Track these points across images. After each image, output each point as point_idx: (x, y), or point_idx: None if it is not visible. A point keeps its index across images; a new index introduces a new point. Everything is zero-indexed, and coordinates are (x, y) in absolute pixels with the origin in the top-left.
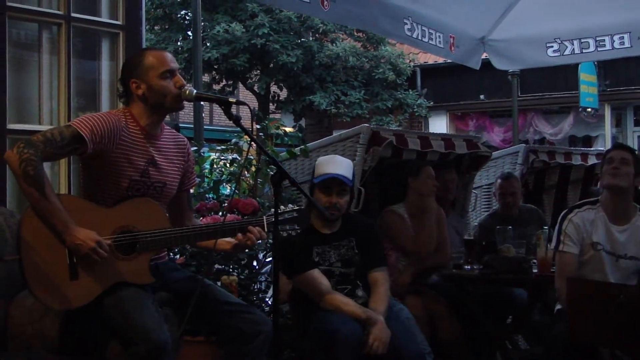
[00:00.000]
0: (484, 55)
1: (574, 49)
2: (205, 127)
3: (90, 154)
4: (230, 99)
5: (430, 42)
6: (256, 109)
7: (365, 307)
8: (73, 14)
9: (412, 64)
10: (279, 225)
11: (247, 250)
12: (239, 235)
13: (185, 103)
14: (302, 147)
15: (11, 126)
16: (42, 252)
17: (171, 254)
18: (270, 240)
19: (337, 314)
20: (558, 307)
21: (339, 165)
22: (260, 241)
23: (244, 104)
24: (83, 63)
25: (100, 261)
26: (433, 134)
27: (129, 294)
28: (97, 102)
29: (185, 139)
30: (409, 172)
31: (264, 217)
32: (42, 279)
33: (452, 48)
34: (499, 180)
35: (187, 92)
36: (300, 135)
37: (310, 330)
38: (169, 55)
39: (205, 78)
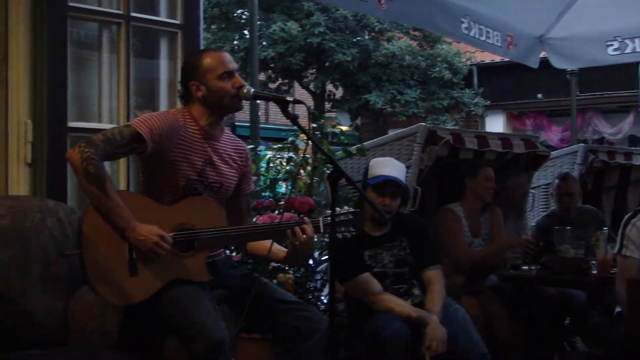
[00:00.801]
0: (542, 54)
1: (635, 47)
2: (261, 125)
3: (150, 153)
4: (288, 98)
5: (487, 40)
6: (312, 107)
7: (421, 307)
8: (133, 14)
9: (468, 62)
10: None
11: None
12: (295, 231)
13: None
14: (358, 145)
15: (72, 124)
16: (103, 248)
17: (227, 251)
18: (325, 239)
19: (384, 315)
20: (618, 309)
21: (393, 167)
22: (315, 239)
23: (301, 102)
24: (142, 62)
25: (161, 257)
26: (490, 133)
27: (186, 291)
28: (155, 101)
29: (245, 145)
30: (467, 172)
31: (320, 219)
32: (102, 275)
33: (510, 47)
34: (556, 181)
35: (245, 91)
36: (357, 134)
37: (362, 331)
38: (227, 56)
39: (261, 77)
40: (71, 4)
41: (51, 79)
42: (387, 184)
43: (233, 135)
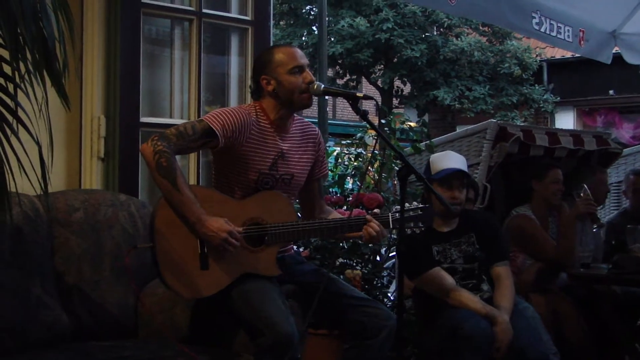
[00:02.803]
0: (615, 49)
1: None
2: (328, 121)
3: (221, 148)
4: (358, 94)
5: (558, 36)
6: (379, 103)
7: (490, 302)
8: (204, 10)
9: (538, 58)
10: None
11: (370, 245)
12: (364, 233)
13: None
14: (427, 142)
15: (144, 119)
16: (174, 242)
17: (295, 247)
18: (393, 236)
19: (461, 310)
20: None
21: (455, 159)
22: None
23: (371, 98)
24: (213, 58)
25: (231, 251)
26: (561, 129)
27: (256, 286)
28: (225, 97)
29: (316, 128)
30: (533, 174)
31: (389, 214)
32: (173, 268)
33: (582, 42)
34: (631, 176)
35: (315, 86)
36: (426, 130)
37: (436, 326)
38: (298, 52)
39: (329, 73)
40: (144, 1)
41: (124, 75)
42: (453, 176)
43: (304, 120)
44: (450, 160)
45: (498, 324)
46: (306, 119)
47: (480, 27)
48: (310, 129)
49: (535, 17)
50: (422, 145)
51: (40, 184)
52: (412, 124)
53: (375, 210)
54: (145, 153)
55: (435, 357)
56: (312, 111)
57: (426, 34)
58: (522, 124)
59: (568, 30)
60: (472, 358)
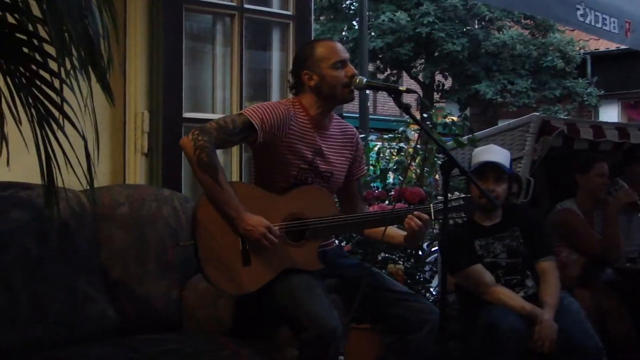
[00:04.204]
0: None
1: None
2: (369, 116)
3: (260, 143)
4: (400, 87)
5: (604, 27)
6: (418, 97)
7: (535, 298)
8: (246, 5)
9: (582, 51)
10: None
11: None
12: (407, 226)
13: None
14: (470, 136)
15: (186, 115)
16: (217, 238)
17: (336, 241)
18: (435, 230)
19: (499, 308)
20: None
21: (495, 153)
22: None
23: (413, 92)
24: (254, 53)
25: (271, 247)
26: (606, 122)
27: (299, 280)
28: (267, 92)
29: (354, 129)
30: (578, 168)
31: (431, 205)
32: (216, 264)
33: (628, 33)
34: None
35: (358, 80)
36: (468, 124)
37: (475, 323)
38: (339, 46)
39: (370, 67)
40: None
41: (167, 71)
42: (488, 168)
43: (343, 121)
44: (489, 153)
45: (540, 322)
46: (346, 115)
47: (523, 20)
48: (348, 129)
49: (579, 9)
50: (465, 139)
51: (86, 179)
52: (454, 118)
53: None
54: (186, 147)
55: (477, 353)
56: (353, 106)
57: (467, 27)
58: (567, 117)
59: (614, 22)
60: (505, 356)
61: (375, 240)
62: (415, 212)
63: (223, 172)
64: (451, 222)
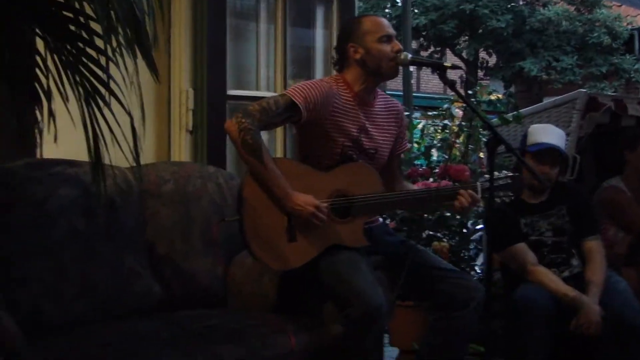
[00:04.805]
0: None
1: None
2: (413, 94)
3: (304, 122)
4: (445, 64)
5: None
6: (464, 75)
7: (580, 277)
8: None
9: (629, 27)
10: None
11: (457, 217)
12: (455, 203)
13: None
14: (515, 113)
15: (231, 92)
16: (262, 215)
17: (381, 218)
18: (480, 208)
19: (528, 286)
20: None
21: (554, 135)
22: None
23: (459, 68)
24: (298, 31)
25: (320, 225)
26: None
27: (344, 257)
28: (311, 70)
29: (399, 104)
30: (626, 144)
31: (478, 183)
32: (261, 240)
33: None
34: None
35: (403, 56)
36: (513, 101)
37: (512, 300)
38: (385, 21)
39: (413, 45)
40: None
41: (211, 49)
42: (548, 152)
43: (387, 96)
44: (548, 134)
45: (583, 307)
46: (389, 93)
47: None
48: (393, 104)
49: None
50: (510, 116)
51: (132, 156)
52: (499, 96)
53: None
54: (230, 130)
55: (510, 330)
56: (397, 83)
57: (512, 3)
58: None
59: None
60: (532, 334)
61: (420, 218)
62: (468, 192)
63: (268, 153)
64: (499, 200)
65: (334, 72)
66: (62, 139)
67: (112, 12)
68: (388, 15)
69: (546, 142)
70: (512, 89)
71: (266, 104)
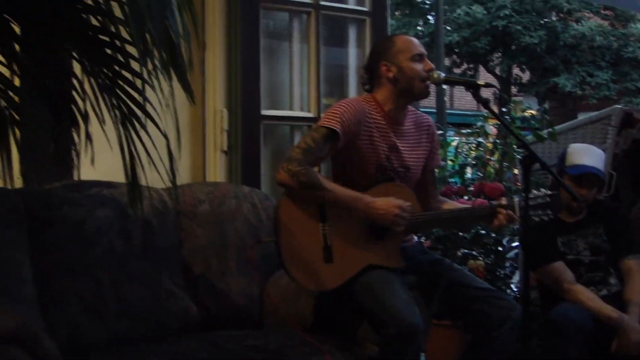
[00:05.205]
0: None
1: None
2: (446, 111)
3: (340, 144)
4: (479, 82)
5: None
6: (497, 91)
7: (618, 296)
8: (322, 2)
9: None
10: (531, 210)
11: (493, 235)
12: (494, 221)
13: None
14: (549, 130)
15: (265, 112)
16: (298, 235)
17: (416, 237)
18: (516, 226)
19: (567, 304)
20: None
21: (594, 156)
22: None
23: (492, 86)
24: (331, 50)
25: (354, 244)
26: None
27: (379, 277)
28: (344, 88)
29: (430, 119)
30: None
31: (516, 201)
32: (298, 261)
33: None
34: None
35: (436, 75)
36: (548, 118)
37: (549, 320)
38: (416, 41)
39: (446, 62)
40: None
41: (245, 69)
42: (587, 176)
43: (417, 112)
44: (589, 156)
45: (621, 326)
46: (422, 110)
47: (602, 11)
48: (424, 119)
49: None
50: (544, 133)
51: (168, 177)
52: (533, 112)
53: (502, 202)
54: (283, 181)
55: (547, 348)
56: (430, 101)
57: (545, 19)
58: None
59: None
60: (568, 352)
61: (455, 236)
62: (506, 210)
63: (325, 178)
64: (537, 219)
65: (364, 93)
66: (99, 160)
67: (147, 36)
68: (420, 33)
69: (586, 164)
70: (546, 105)
71: (304, 144)
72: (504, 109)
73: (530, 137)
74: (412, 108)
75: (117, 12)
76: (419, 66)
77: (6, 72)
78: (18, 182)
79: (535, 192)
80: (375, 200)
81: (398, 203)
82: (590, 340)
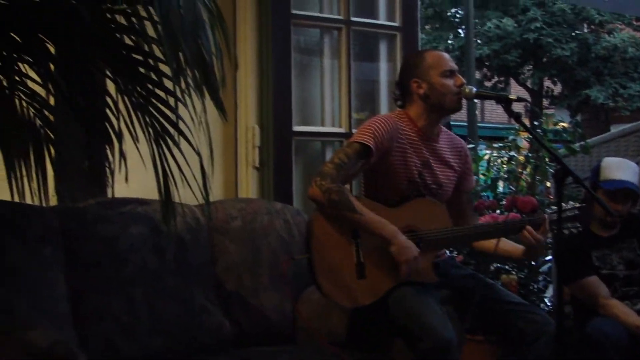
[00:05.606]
0: None
1: None
2: (477, 124)
3: (373, 159)
4: (510, 96)
5: None
6: (529, 104)
7: None
8: (353, 18)
9: None
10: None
11: None
12: (524, 233)
13: None
14: (582, 143)
15: (296, 128)
16: (331, 251)
17: (447, 252)
18: (549, 239)
19: (603, 318)
20: None
21: (629, 171)
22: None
23: (524, 100)
24: (362, 65)
25: (388, 259)
26: None
27: (413, 292)
28: (375, 103)
29: (463, 143)
30: None
31: (546, 215)
32: (330, 277)
33: None
34: None
35: (467, 90)
36: (580, 131)
37: (585, 334)
38: (447, 56)
39: (477, 75)
40: (294, 11)
41: (276, 85)
42: (622, 191)
43: (451, 134)
44: (624, 171)
45: None
46: (453, 124)
47: (634, 22)
48: (457, 141)
49: None
50: (577, 146)
51: (201, 193)
52: (565, 125)
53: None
54: (315, 197)
55: None
56: (461, 114)
57: (576, 31)
58: None
59: None
60: None
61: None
62: (526, 227)
63: (357, 201)
64: (566, 232)
65: (397, 108)
66: (133, 178)
67: (180, 54)
68: (451, 47)
69: (622, 179)
70: (578, 118)
71: (338, 159)
72: (535, 122)
73: (562, 151)
74: (446, 130)
75: (151, 32)
76: (449, 82)
77: (42, 92)
78: (53, 200)
79: (564, 205)
80: (402, 240)
81: (415, 253)
82: (626, 355)
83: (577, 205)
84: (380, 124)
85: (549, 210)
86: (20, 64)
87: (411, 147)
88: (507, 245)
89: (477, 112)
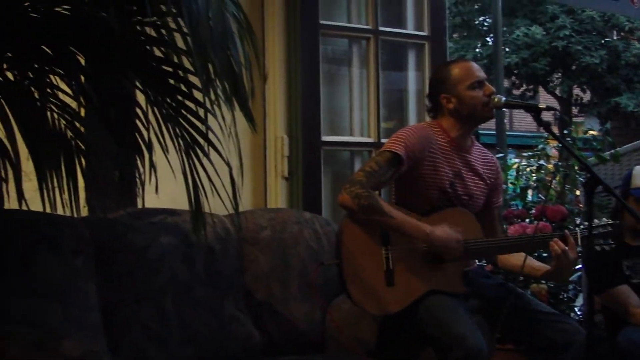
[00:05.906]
0: None
1: None
2: (506, 132)
3: (404, 169)
4: (540, 105)
5: None
6: (558, 113)
7: None
8: (381, 28)
9: None
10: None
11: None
12: (552, 243)
13: None
14: (612, 151)
15: (325, 138)
16: (360, 259)
17: (477, 261)
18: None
19: (637, 328)
20: None
21: None
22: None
23: (554, 109)
24: (390, 75)
25: (417, 268)
26: None
27: (442, 302)
28: (404, 112)
29: (495, 158)
30: None
31: (577, 230)
32: (360, 284)
33: None
34: None
35: (496, 99)
36: (610, 139)
37: (615, 344)
38: (475, 66)
39: (505, 83)
40: (322, 22)
41: (305, 95)
42: None
43: (483, 148)
44: None
45: None
46: (482, 132)
47: None
48: (489, 156)
49: None
50: (607, 154)
51: (231, 204)
52: (595, 133)
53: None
54: (345, 203)
55: None
56: (489, 123)
57: (606, 39)
58: None
59: None
60: None
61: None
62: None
63: (387, 203)
64: (598, 248)
65: (429, 118)
66: (163, 188)
67: (210, 66)
68: (479, 55)
69: None
70: (608, 126)
71: (369, 167)
72: (565, 131)
73: (592, 159)
74: (479, 144)
75: (180, 43)
76: (478, 93)
77: (73, 104)
78: (84, 211)
79: (597, 221)
80: (434, 230)
81: (457, 236)
82: None
83: (610, 222)
84: (412, 133)
85: (580, 225)
86: (51, 77)
87: (443, 157)
88: (534, 263)
89: (505, 121)
